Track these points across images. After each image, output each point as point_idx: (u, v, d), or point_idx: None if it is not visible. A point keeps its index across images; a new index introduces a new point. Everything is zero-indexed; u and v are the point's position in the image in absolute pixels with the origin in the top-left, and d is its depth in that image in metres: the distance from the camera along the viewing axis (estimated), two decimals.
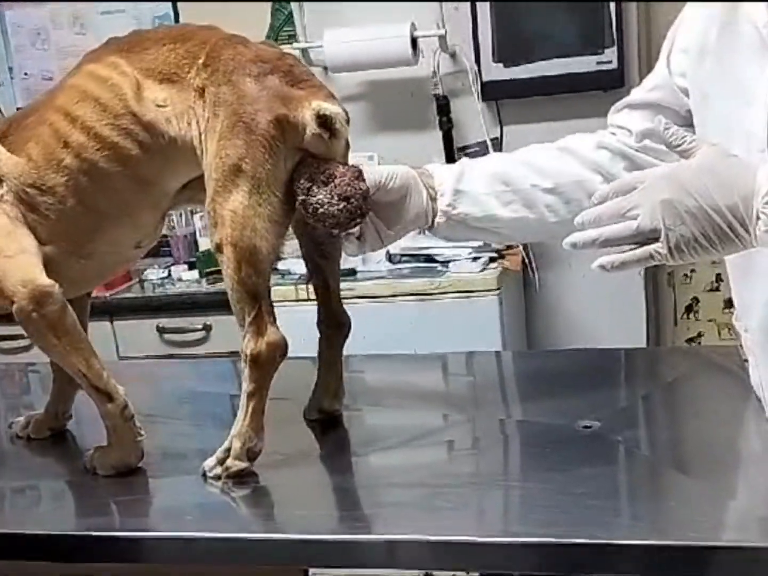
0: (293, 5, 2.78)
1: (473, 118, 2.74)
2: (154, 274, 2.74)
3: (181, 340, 2.57)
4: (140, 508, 1.10)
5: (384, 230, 1.14)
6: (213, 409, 1.39)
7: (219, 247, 1.06)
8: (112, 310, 2.60)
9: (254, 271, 1.04)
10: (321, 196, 1.05)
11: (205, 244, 2.80)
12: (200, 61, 1.08)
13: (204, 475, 1.08)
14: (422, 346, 1.93)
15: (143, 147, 1.10)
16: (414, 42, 2.60)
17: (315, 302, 1.21)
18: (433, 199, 1.15)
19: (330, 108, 1.06)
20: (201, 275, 2.65)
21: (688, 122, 1.08)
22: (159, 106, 1.09)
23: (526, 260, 2.64)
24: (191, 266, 2.76)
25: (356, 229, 1.11)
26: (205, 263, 2.62)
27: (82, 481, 1.15)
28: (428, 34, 2.63)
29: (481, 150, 2.74)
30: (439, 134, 2.74)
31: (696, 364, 1.38)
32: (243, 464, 1.06)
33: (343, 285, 1.23)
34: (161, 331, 2.57)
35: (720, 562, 0.86)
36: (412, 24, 2.60)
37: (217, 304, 2.54)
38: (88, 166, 1.11)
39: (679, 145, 0.91)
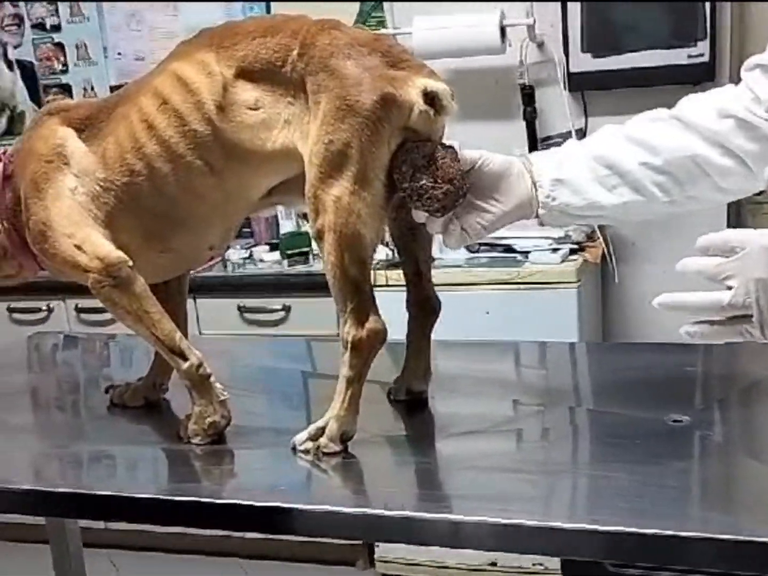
0: None
1: (558, 108, 2.72)
2: (236, 254, 2.79)
3: (261, 319, 2.62)
4: (228, 477, 1.13)
5: (483, 217, 1.12)
6: (285, 387, 1.42)
7: (320, 234, 1.05)
8: (194, 288, 2.63)
9: (357, 258, 1.04)
10: (424, 181, 1.05)
11: (287, 226, 2.85)
12: (294, 52, 1.06)
13: (294, 448, 1.10)
14: (498, 336, 1.93)
15: (221, 164, 1.10)
16: (502, 31, 2.59)
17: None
18: (536, 188, 1.13)
19: (436, 85, 1.05)
20: (282, 257, 2.69)
21: None
22: (251, 108, 1.08)
23: (606, 253, 2.62)
24: (272, 248, 2.80)
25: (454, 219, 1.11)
26: (288, 245, 2.66)
27: (170, 449, 1.19)
28: (517, 23, 2.62)
29: (564, 141, 2.72)
30: (523, 124, 2.73)
31: None
32: (337, 447, 1.08)
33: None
34: (242, 310, 2.62)
35: None
36: (501, 12, 2.59)
37: (297, 285, 2.60)
38: (160, 177, 1.12)
39: None
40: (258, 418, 1.27)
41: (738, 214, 2.78)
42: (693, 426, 1.12)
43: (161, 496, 1.04)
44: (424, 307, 1.21)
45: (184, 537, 2.68)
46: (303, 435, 1.10)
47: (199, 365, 1.14)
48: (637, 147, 1.13)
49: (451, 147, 1.08)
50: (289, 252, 2.65)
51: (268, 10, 3.03)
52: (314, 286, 2.57)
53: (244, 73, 1.09)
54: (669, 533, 0.87)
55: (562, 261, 2.34)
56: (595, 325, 2.62)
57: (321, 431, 1.09)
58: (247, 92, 1.08)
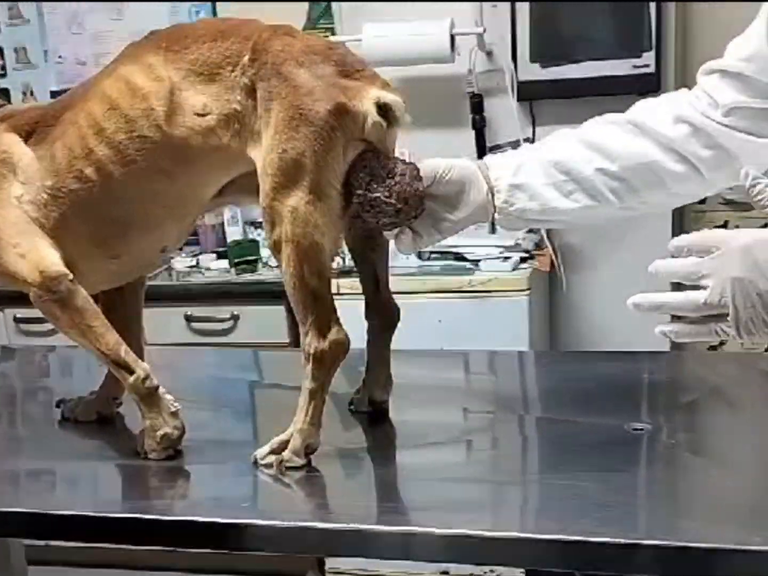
0: None
1: (506, 117, 2.73)
2: (181, 262, 2.75)
3: (208, 329, 2.58)
4: (181, 493, 1.11)
5: (439, 225, 1.12)
6: (235, 399, 1.40)
7: (277, 245, 1.04)
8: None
9: (317, 269, 1.03)
10: (379, 194, 1.04)
11: (234, 233, 2.81)
12: (246, 57, 1.05)
13: (255, 462, 1.08)
14: (449, 344, 1.93)
15: (172, 167, 1.09)
16: (452, 39, 2.60)
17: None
18: (493, 193, 1.13)
19: (389, 96, 1.05)
20: (230, 265, 2.65)
21: None
22: (198, 114, 1.06)
23: (555, 261, 2.64)
24: (219, 256, 2.76)
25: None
26: (236, 253, 2.62)
27: (123, 465, 1.16)
28: (467, 31, 2.63)
29: (513, 150, 2.74)
30: (472, 132, 2.74)
31: (736, 370, 1.38)
32: (300, 461, 1.06)
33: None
34: (189, 320, 2.58)
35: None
36: (451, 21, 2.60)
37: (246, 294, 2.56)
38: (111, 180, 1.09)
39: (766, 207, 0.87)
40: (210, 431, 1.24)
41: (681, 221, 2.83)
42: (654, 433, 1.13)
43: (109, 514, 1.01)
44: (384, 314, 1.19)
45: (132, 552, 2.62)
46: (265, 449, 1.08)
47: (146, 378, 1.11)
48: (593, 152, 1.14)
49: (412, 164, 1.08)
50: (237, 260, 2.62)
51: (214, 13, 3.00)
52: (263, 294, 2.54)
53: (193, 78, 1.07)
54: (633, 541, 0.87)
55: (513, 269, 2.36)
56: (543, 332, 2.64)
57: (284, 445, 1.07)
58: (195, 97, 1.06)
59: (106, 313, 1.14)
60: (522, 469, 1.14)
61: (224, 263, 2.70)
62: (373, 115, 1.03)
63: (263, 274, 2.62)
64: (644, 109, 1.16)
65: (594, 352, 2.35)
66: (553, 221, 1.17)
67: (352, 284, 1.20)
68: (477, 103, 2.72)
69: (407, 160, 1.08)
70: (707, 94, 1.13)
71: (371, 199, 1.05)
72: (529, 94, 2.70)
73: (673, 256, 0.92)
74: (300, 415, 1.06)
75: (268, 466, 1.07)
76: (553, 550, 0.90)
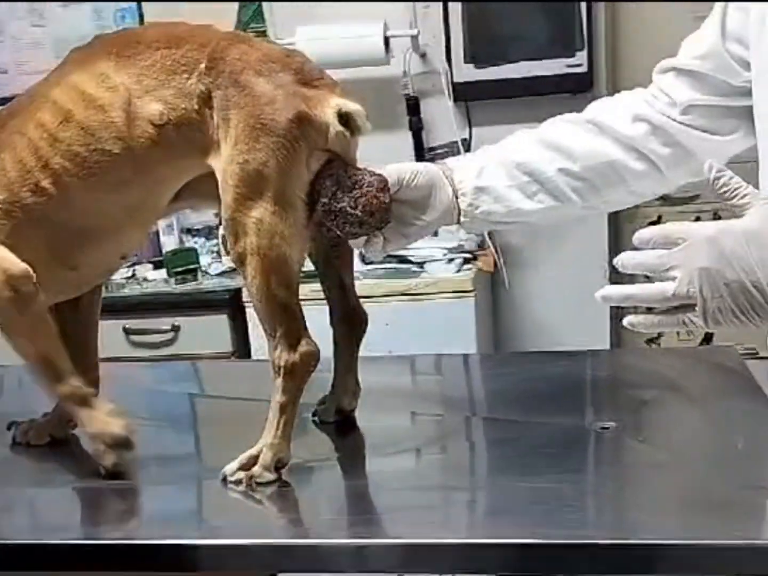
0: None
1: (443, 118, 2.74)
2: (117, 273, 2.67)
3: (148, 341, 2.51)
4: (134, 514, 1.08)
5: (407, 229, 1.11)
6: (179, 413, 1.36)
7: (242, 258, 1.01)
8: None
9: (284, 281, 1.01)
10: (344, 204, 1.03)
11: (169, 243, 2.75)
12: (202, 66, 1.02)
13: (224, 479, 1.04)
14: (396, 348, 1.92)
15: (133, 175, 1.06)
16: (386, 41, 2.59)
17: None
18: (458, 196, 1.13)
19: (350, 105, 1.03)
20: (169, 275, 2.59)
21: (742, 93, 1.06)
22: (154, 124, 1.03)
23: (497, 261, 2.65)
24: (156, 266, 2.70)
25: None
26: (174, 263, 2.56)
27: (78, 488, 1.11)
28: (401, 33, 2.62)
29: (450, 151, 2.74)
30: (409, 134, 2.74)
31: (692, 364, 1.39)
32: (271, 476, 1.03)
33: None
34: (128, 332, 2.51)
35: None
36: (385, 23, 2.59)
37: (186, 304, 2.51)
38: (69, 191, 1.06)
39: (730, 199, 0.87)
40: (156, 448, 1.20)
41: (616, 218, 2.87)
42: (621, 431, 1.13)
43: (59, 541, 0.97)
44: (351, 321, 1.17)
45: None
46: (234, 465, 1.04)
47: (80, 386, 1.08)
48: (554, 153, 1.15)
49: (379, 175, 1.06)
50: (176, 270, 2.56)
51: (141, 16, 2.92)
52: (204, 304, 2.49)
53: (147, 86, 1.04)
54: (617, 542, 0.87)
55: (458, 271, 2.36)
56: (487, 333, 2.65)
57: (253, 460, 1.04)
58: (150, 105, 1.03)
59: (61, 322, 1.11)
60: (488, 473, 1.13)
61: (162, 273, 2.63)
62: (335, 125, 1.02)
63: (203, 284, 2.57)
64: (602, 108, 1.17)
65: (545, 352, 2.35)
66: (517, 222, 1.17)
67: (311, 290, 1.17)
68: (413, 105, 2.72)
69: (373, 171, 1.06)
70: (664, 93, 1.14)
71: (336, 209, 1.03)
72: (464, 95, 2.71)
73: (635, 249, 0.92)
74: (270, 429, 1.03)
75: (238, 482, 1.03)
76: (525, 554, 0.90)
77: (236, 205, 1.00)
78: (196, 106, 1.02)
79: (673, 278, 0.85)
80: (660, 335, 3.12)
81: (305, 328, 1.03)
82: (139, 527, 1.04)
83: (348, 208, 1.03)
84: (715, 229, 0.86)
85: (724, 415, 1.16)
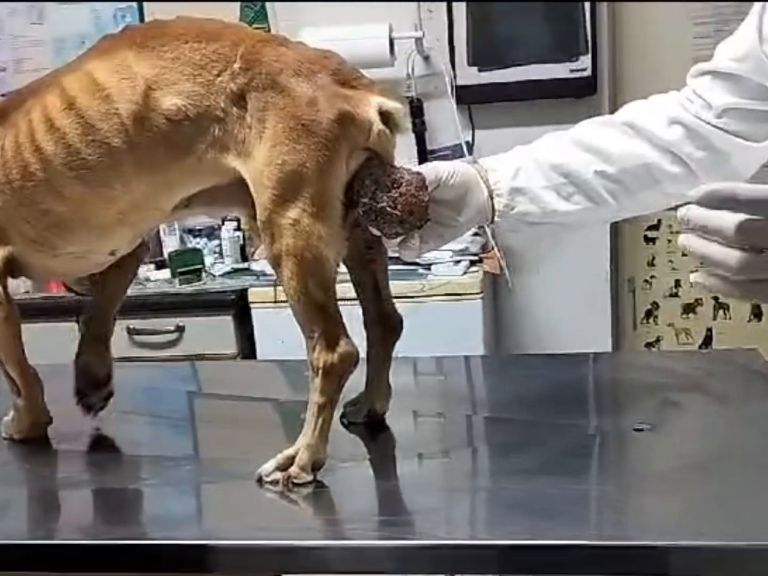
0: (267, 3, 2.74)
1: (446, 121, 2.75)
2: None
3: (152, 341, 2.50)
4: (160, 515, 1.06)
5: (443, 229, 1.11)
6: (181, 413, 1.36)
7: (278, 259, 1.00)
8: (76, 311, 2.50)
9: (321, 282, 1.00)
10: (384, 204, 1.02)
11: (171, 243, 2.73)
12: (236, 65, 1.00)
13: (260, 480, 1.03)
14: (404, 349, 1.91)
15: (131, 174, 1.04)
16: (391, 43, 2.59)
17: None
18: (492, 197, 1.13)
19: (390, 103, 1.03)
20: (173, 275, 2.58)
21: None
22: (170, 119, 1.01)
23: (501, 263, 2.65)
24: (158, 266, 2.68)
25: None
26: (178, 263, 2.55)
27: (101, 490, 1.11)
28: (405, 35, 2.62)
29: (453, 153, 2.75)
30: (412, 137, 2.74)
31: (716, 366, 1.39)
32: (308, 477, 1.02)
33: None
34: (131, 332, 2.49)
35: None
36: (390, 25, 2.59)
37: (190, 304, 2.50)
38: (57, 179, 1.05)
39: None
40: (184, 448, 1.21)
41: (616, 224, 2.89)
42: (656, 432, 1.12)
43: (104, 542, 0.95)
44: (385, 324, 1.17)
45: None
46: (271, 465, 1.03)
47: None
48: (591, 155, 1.15)
49: (418, 173, 1.05)
50: (181, 270, 2.54)
51: (142, 16, 2.91)
52: (208, 304, 2.48)
53: (169, 79, 1.02)
54: (662, 544, 0.87)
55: (464, 273, 2.35)
56: (493, 335, 2.65)
57: (290, 460, 1.03)
58: (169, 100, 1.01)
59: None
60: (520, 474, 1.11)
61: (165, 273, 2.62)
62: (377, 123, 1.01)
63: (207, 284, 2.56)
64: (637, 111, 1.17)
65: (567, 354, 2.35)
66: (552, 224, 1.17)
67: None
68: (417, 108, 2.72)
69: (411, 170, 1.06)
70: (699, 96, 1.14)
71: (377, 209, 1.02)
72: (467, 97, 2.72)
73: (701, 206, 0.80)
74: (308, 429, 1.03)
75: (275, 483, 1.03)
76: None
77: (273, 206, 0.99)
78: (222, 104, 1.01)
79: (762, 251, 0.77)
80: (659, 339, 3.14)
81: (344, 329, 1.02)
82: (176, 528, 1.02)
83: (388, 208, 1.02)
84: None
85: (759, 417, 1.16)
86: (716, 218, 0.79)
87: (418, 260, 2.37)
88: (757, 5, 1.09)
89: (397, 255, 2.28)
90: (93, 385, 1.26)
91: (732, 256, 0.79)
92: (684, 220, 0.82)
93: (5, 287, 1.12)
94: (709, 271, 0.83)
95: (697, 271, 0.85)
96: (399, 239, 1.09)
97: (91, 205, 1.07)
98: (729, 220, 0.78)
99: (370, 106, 1.01)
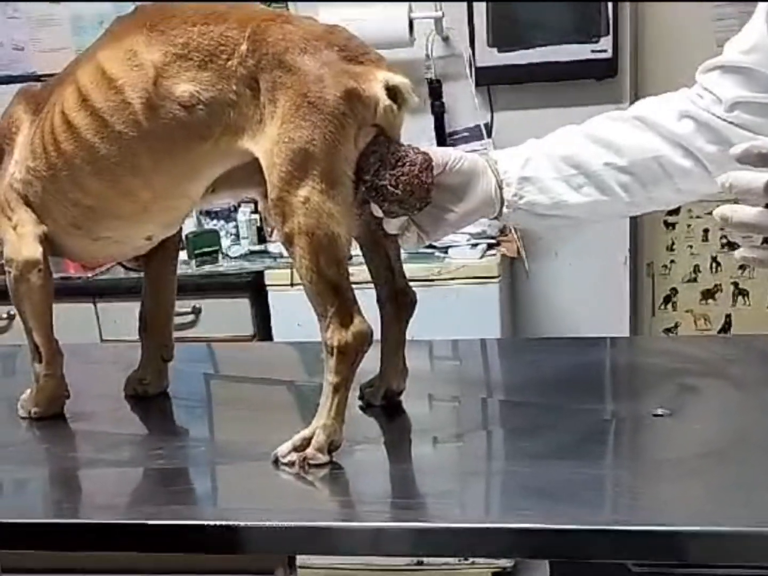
0: None
1: (465, 102, 2.72)
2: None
3: None
4: (189, 495, 1.06)
5: (445, 216, 1.10)
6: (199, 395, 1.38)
7: (290, 238, 1.00)
8: (94, 292, 2.51)
9: (334, 259, 0.99)
10: (386, 182, 1.01)
11: (187, 225, 2.73)
12: (243, 47, 1.00)
13: (276, 461, 1.04)
14: (420, 333, 1.90)
15: (149, 164, 1.05)
16: (411, 23, 2.57)
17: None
18: (501, 188, 1.11)
19: (397, 78, 1.01)
20: (190, 257, 2.58)
21: None
22: (184, 105, 1.01)
23: (519, 247, 2.64)
24: None
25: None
26: (196, 244, 2.55)
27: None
28: (425, 16, 2.60)
29: (472, 135, 2.73)
30: (431, 118, 2.72)
31: (737, 351, 1.38)
32: (324, 458, 1.02)
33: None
34: None
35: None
36: (410, 5, 2.57)
37: (207, 286, 2.50)
38: (80, 174, 1.08)
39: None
40: (190, 428, 1.23)
41: None
42: (675, 417, 1.12)
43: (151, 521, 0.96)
44: (399, 301, 1.16)
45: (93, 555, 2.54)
46: (287, 446, 1.03)
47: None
48: (601, 147, 1.14)
49: (425, 153, 1.05)
50: (198, 252, 2.55)
51: None
52: (225, 286, 2.49)
53: (180, 66, 1.01)
54: (681, 529, 0.86)
55: (482, 256, 2.34)
56: (509, 320, 2.64)
57: (306, 442, 1.03)
58: (181, 86, 1.01)
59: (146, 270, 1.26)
60: (536, 458, 1.11)
61: (182, 255, 2.61)
62: (384, 99, 1.00)
63: (224, 266, 2.56)
64: (648, 106, 1.17)
65: (587, 338, 2.34)
66: (560, 216, 1.16)
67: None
68: (436, 89, 2.70)
69: (418, 149, 1.05)
70: (709, 91, 1.13)
71: (378, 186, 1.02)
72: (487, 79, 2.69)
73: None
74: (323, 410, 1.02)
75: (291, 464, 1.03)
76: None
77: (283, 184, 0.99)
78: (234, 87, 1.00)
79: None
80: (677, 325, 3.12)
81: (357, 307, 1.02)
82: (193, 509, 1.02)
83: (389, 186, 1.02)
84: None
85: None
86: (760, 179, 0.77)
87: (435, 243, 2.37)
88: (762, 3, 1.08)
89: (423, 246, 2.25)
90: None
91: None
92: (726, 185, 0.81)
93: (46, 258, 1.15)
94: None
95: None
96: (398, 228, 1.09)
97: (115, 199, 1.10)
98: None
99: (377, 82, 1.00)
